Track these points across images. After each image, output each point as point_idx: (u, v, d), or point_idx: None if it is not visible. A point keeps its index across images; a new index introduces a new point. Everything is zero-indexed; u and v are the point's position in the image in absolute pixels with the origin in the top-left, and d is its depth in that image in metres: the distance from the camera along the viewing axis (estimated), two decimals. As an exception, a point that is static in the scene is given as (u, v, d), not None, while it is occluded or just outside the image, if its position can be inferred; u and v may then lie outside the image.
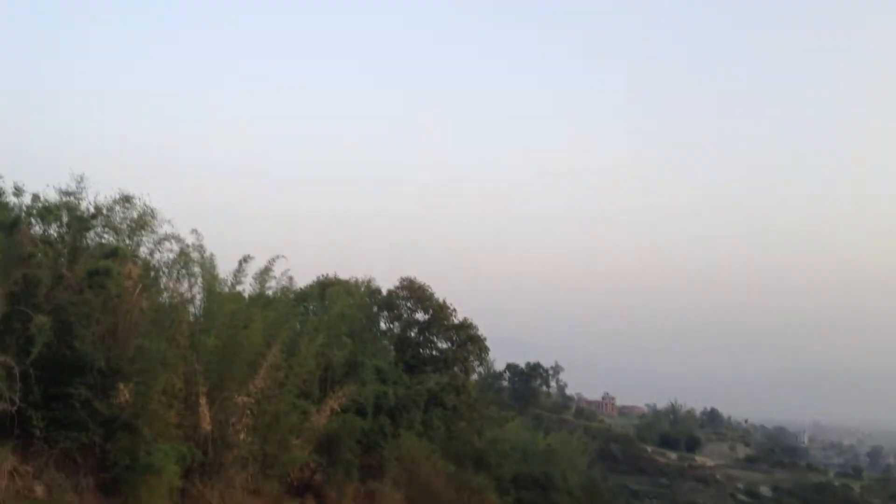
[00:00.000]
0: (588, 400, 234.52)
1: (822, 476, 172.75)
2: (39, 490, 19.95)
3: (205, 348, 25.48)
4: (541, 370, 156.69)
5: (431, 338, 54.96)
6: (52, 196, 23.87)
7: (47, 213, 23.33)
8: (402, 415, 39.47)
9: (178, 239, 27.06)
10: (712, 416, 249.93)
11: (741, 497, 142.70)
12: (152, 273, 26.28)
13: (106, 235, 25.11)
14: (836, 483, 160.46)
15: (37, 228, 23.43)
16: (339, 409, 31.89)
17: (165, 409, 22.93)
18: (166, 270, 27.04)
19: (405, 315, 54.12)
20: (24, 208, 23.24)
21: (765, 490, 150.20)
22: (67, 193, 23.97)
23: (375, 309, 52.11)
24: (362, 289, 47.68)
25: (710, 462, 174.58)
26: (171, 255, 27.05)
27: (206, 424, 24.92)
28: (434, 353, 55.13)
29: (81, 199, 24.24)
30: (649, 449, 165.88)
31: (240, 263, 29.27)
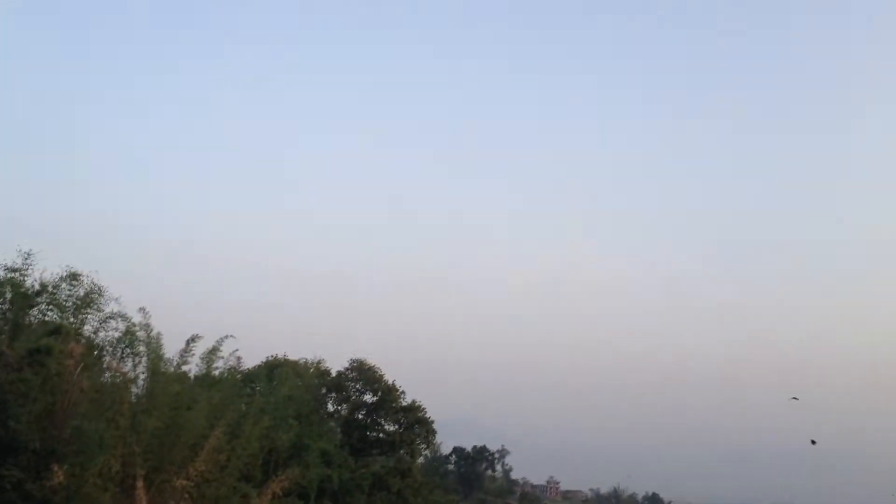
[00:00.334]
0: (533, 484, 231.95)
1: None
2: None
3: (145, 430, 24.86)
4: (487, 454, 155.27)
5: (379, 420, 54.32)
6: (-3, 272, 23.53)
7: (-10, 288, 22.94)
8: (345, 499, 38.72)
9: (124, 317, 26.81)
10: (654, 501, 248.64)
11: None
12: (95, 352, 25.84)
13: (50, 313, 24.76)
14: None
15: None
16: (281, 494, 31.13)
17: (100, 492, 22.21)
18: (110, 349, 26.66)
19: (353, 397, 53.53)
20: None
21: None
22: (13, 270, 23.67)
23: (324, 390, 51.50)
24: (311, 370, 47.24)
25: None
26: (117, 334, 26.75)
27: (143, 509, 24.10)
28: (381, 435, 54.39)
29: (27, 276, 23.95)
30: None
31: (187, 343, 28.93)
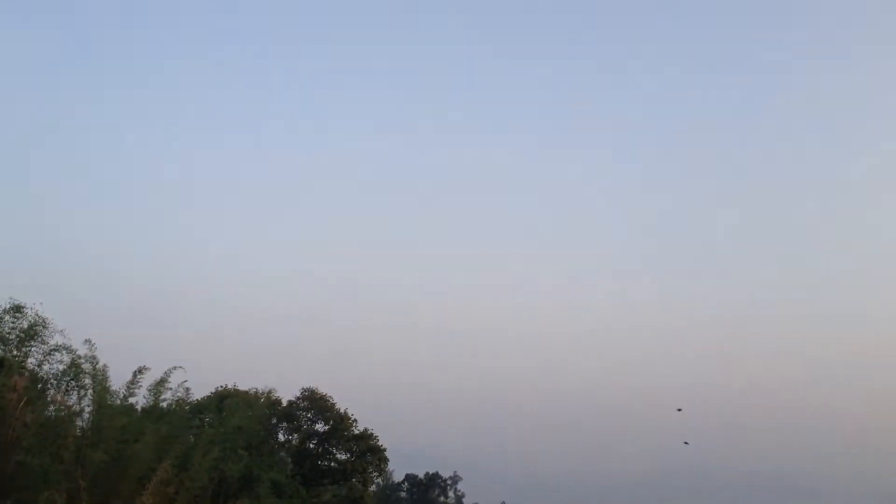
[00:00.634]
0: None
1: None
2: None
3: (91, 463, 24.45)
4: (439, 480, 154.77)
5: (331, 449, 53.93)
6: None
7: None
8: (297, 530, 38.28)
9: (69, 350, 26.34)
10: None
11: None
12: (39, 385, 25.32)
13: (-8, 346, 24.20)
14: None
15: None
16: (232, 526, 30.80)
17: (45, 528, 21.70)
18: (55, 382, 26.14)
19: (305, 426, 53.12)
20: None
21: None
22: (-47, 302, 23.14)
23: (275, 420, 51.02)
24: (262, 400, 46.80)
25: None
26: (61, 367, 26.26)
27: (89, 545, 23.62)
28: (333, 464, 53.98)
29: (-33, 309, 23.43)
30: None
31: (134, 375, 28.58)
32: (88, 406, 26.87)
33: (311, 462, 52.20)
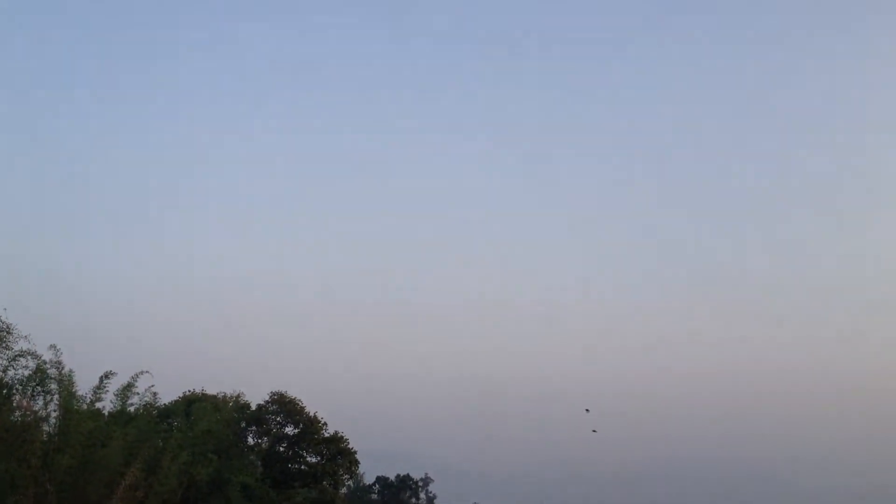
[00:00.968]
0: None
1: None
2: None
3: (59, 468, 24.44)
4: (410, 482, 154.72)
5: (301, 452, 53.84)
6: None
7: None
8: (268, 533, 38.27)
9: (34, 355, 26.25)
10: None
11: None
12: (4, 391, 25.20)
13: (-45, 352, 24.01)
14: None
15: None
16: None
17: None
18: (20, 388, 26.00)
19: (274, 429, 52.96)
20: None
21: None
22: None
23: (244, 424, 50.82)
24: (231, 404, 46.62)
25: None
26: (27, 372, 26.14)
27: (57, 551, 23.55)
28: (303, 467, 53.90)
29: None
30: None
31: (101, 380, 28.55)
32: (55, 411, 26.82)
33: (282, 465, 52.07)
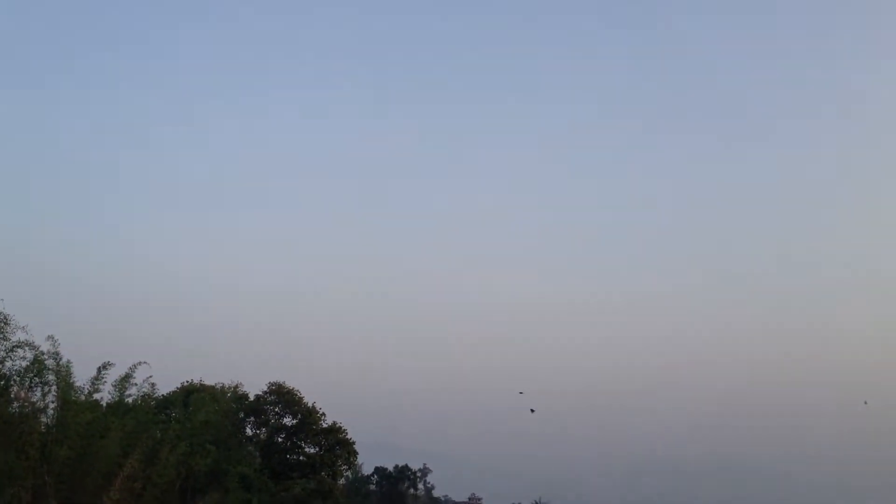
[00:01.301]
0: (455, 501, 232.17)
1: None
2: None
3: (57, 459, 24.39)
4: (409, 473, 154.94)
5: (299, 443, 53.88)
6: None
7: None
8: (267, 524, 38.29)
9: (32, 346, 26.18)
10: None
11: None
12: (2, 382, 25.15)
13: (-47, 343, 23.94)
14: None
15: None
16: (200, 520, 30.78)
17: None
18: (18, 379, 25.93)
19: (273, 420, 52.99)
20: None
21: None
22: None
23: (242, 415, 50.82)
24: (229, 394, 46.61)
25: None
26: (24, 363, 26.08)
27: (56, 542, 23.52)
28: (301, 458, 53.94)
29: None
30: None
31: (98, 371, 28.46)
32: (53, 402, 26.76)
33: (280, 456, 52.12)
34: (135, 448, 27.05)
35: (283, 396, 53.30)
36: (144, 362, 30.09)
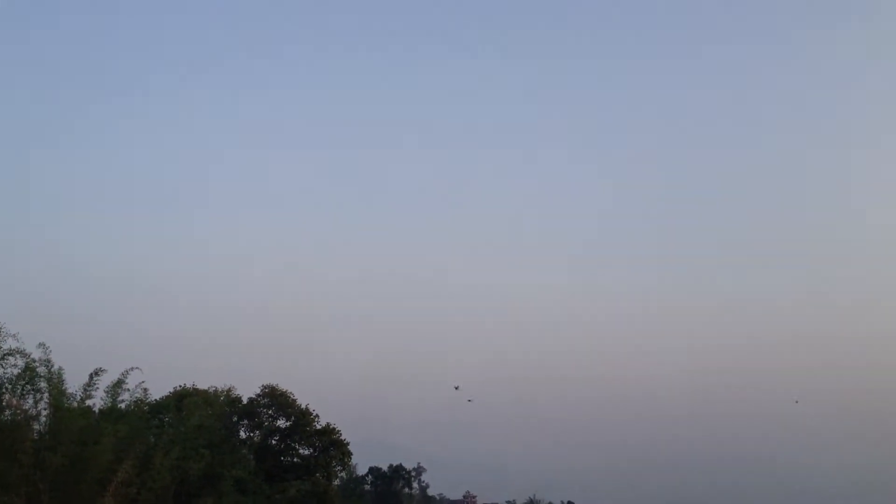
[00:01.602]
0: (450, 499, 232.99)
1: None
2: None
3: (50, 467, 24.35)
4: (403, 472, 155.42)
5: (293, 445, 53.97)
6: None
7: None
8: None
9: (23, 353, 26.12)
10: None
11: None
12: (-7, 390, 25.05)
13: (-57, 352, 23.87)
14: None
15: None
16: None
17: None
18: (9, 386, 25.86)
19: (266, 423, 53.06)
20: None
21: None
22: None
23: (235, 418, 50.87)
24: (222, 398, 46.60)
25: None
26: (16, 371, 26.00)
27: (51, 549, 23.50)
28: (296, 460, 54.04)
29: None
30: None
31: (90, 377, 28.36)
32: (45, 409, 26.67)
33: (274, 458, 52.18)
34: (128, 453, 27.04)
35: (276, 399, 53.38)
36: (137, 368, 30.03)
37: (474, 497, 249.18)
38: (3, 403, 25.04)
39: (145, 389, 31.42)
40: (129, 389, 30.08)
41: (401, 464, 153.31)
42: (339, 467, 57.98)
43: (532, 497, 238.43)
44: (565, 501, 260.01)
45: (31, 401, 26.48)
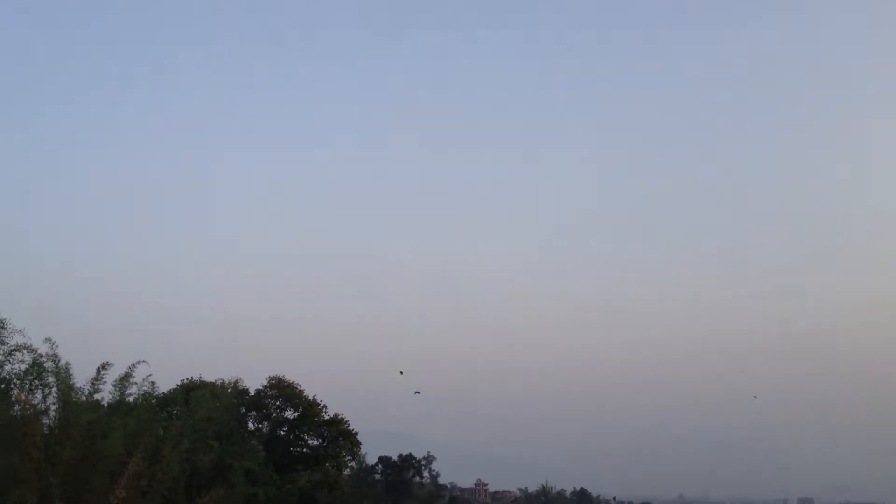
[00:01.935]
0: (461, 487, 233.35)
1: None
2: None
3: (61, 461, 24.53)
4: (413, 461, 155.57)
5: (302, 435, 54.18)
6: None
7: None
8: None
9: (30, 349, 26.29)
10: (582, 496, 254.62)
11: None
12: (2, 385, 25.26)
13: (-49, 349, 24.05)
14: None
15: None
16: (207, 514, 30.94)
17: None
18: (18, 382, 26.05)
19: (274, 414, 53.25)
20: None
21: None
22: None
23: (243, 410, 51.03)
24: (229, 390, 46.78)
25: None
26: (24, 366, 26.20)
27: (64, 542, 23.70)
28: (305, 450, 54.26)
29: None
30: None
31: (98, 371, 28.55)
32: (54, 404, 26.87)
33: (283, 449, 52.39)
34: (138, 446, 27.19)
35: (283, 390, 53.55)
36: (144, 361, 30.21)
37: (486, 485, 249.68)
38: (13, 399, 25.23)
39: (153, 383, 31.67)
40: (136, 383, 30.32)
41: (411, 453, 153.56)
42: (348, 457, 58.18)
43: (544, 484, 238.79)
44: (577, 489, 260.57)
45: (39, 396, 26.72)
